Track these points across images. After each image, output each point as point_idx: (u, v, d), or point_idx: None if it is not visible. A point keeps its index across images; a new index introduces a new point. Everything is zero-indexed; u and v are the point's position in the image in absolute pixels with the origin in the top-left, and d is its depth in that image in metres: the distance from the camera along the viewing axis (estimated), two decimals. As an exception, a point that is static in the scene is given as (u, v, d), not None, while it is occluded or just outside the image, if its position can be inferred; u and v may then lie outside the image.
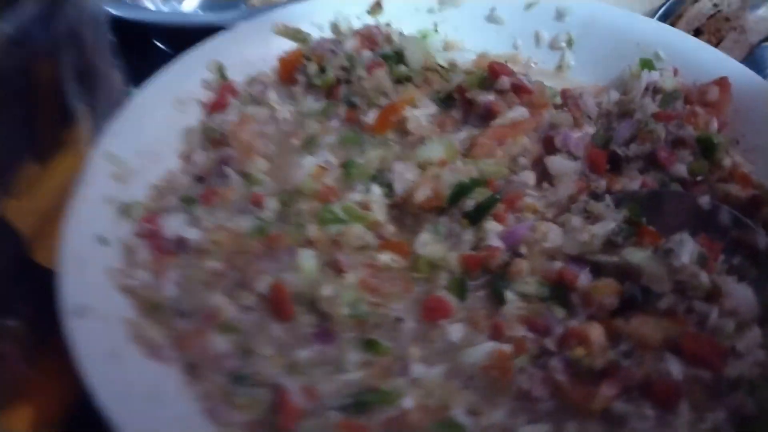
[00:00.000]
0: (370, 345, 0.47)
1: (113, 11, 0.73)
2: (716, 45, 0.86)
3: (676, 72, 0.67)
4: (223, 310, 0.47)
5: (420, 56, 0.65)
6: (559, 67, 0.75)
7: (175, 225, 0.52)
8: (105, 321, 0.44)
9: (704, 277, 0.45)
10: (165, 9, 0.89)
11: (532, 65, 0.76)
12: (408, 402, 0.42)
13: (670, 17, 0.91)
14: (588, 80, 0.72)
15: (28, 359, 0.47)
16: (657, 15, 0.91)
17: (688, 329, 0.44)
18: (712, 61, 0.67)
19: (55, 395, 0.51)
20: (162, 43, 0.89)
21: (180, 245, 0.51)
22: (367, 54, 0.66)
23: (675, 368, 0.42)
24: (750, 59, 0.83)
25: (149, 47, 0.89)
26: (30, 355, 0.47)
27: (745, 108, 0.62)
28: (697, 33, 0.89)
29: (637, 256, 0.47)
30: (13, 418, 0.49)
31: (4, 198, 0.43)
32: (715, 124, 0.60)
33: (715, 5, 0.91)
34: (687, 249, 0.46)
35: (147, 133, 0.59)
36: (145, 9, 0.82)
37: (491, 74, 0.62)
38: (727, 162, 0.57)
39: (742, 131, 0.62)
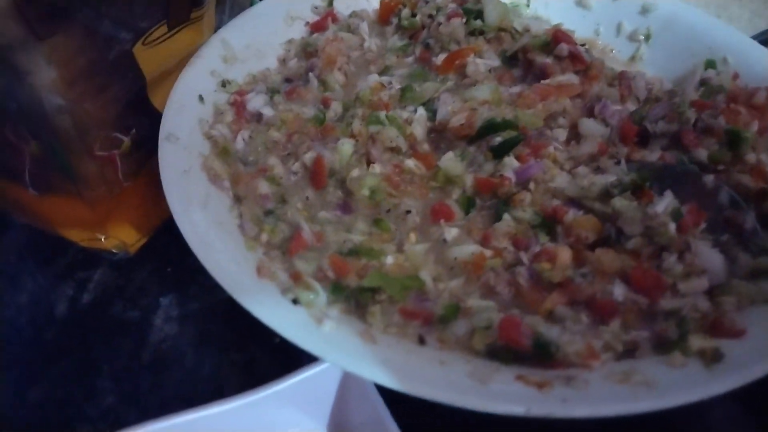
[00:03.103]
0: (377, 222, 0.56)
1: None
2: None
3: (736, 76, 0.69)
4: (274, 167, 0.59)
5: (496, 16, 0.73)
6: (632, 58, 0.79)
7: (257, 103, 0.65)
8: (186, 150, 0.57)
9: (672, 228, 0.50)
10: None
11: (609, 52, 0.82)
12: (389, 259, 0.51)
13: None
14: (655, 74, 0.76)
15: (129, 172, 0.62)
16: (762, 32, 0.92)
17: (642, 265, 0.50)
18: (779, 72, 0.69)
19: (149, 208, 0.65)
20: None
21: (256, 117, 0.64)
22: (452, 6, 0.75)
23: (618, 291, 0.48)
24: None
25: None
26: (131, 169, 0.62)
27: (793, 118, 0.64)
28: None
29: (621, 203, 0.53)
30: (116, 227, 0.65)
31: (137, 43, 0.57)
32: (755, 126, 0.62)
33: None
34: (664, 201, 0.51)
35: (258, 35, 0.73)
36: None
37: (554, 40, 0.69)
38: (751, 158, 0.59)
39: (782, 138, 0.64)
